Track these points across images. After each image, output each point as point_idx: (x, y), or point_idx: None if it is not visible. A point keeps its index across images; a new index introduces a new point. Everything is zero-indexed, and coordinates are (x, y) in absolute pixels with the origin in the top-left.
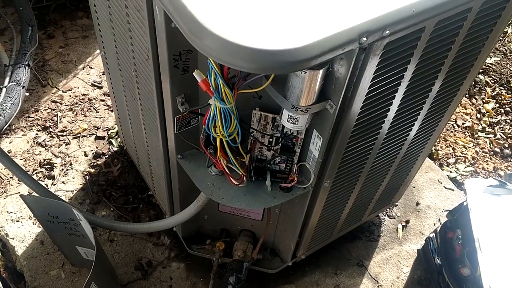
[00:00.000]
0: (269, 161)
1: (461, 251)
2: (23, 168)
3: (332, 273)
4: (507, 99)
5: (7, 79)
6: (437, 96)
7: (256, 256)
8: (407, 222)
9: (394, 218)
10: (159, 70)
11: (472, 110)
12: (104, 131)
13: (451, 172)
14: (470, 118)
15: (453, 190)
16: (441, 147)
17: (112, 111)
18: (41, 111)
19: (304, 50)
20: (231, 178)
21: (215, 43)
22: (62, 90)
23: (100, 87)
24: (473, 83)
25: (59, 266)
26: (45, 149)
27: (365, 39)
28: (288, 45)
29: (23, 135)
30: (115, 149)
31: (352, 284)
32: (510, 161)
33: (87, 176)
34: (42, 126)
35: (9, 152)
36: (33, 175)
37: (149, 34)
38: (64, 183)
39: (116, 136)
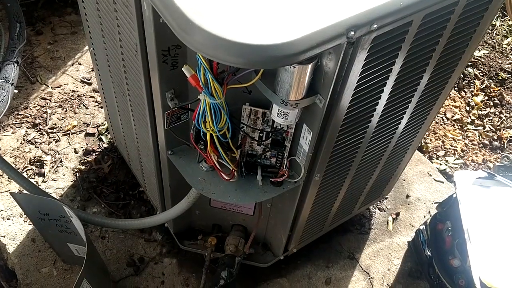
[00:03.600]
0: (259, 155)
1: (451, 242)
2: (13, 165)
3: (323, 266)
4: (495, 91)
5: None
6: (425, 89)
7: (248, 251)
8: (398, 214)
9: (384, 211)
10: (148, 66)
11: (461, 103)
12: (94, 127)
13: (440, 164)
14: (459, 110)
15: (442, 182)
16: (430, 140)
17: (101, 107)
18: (30, 108)
19: (293, 44)
20: (222, 173)
21: (204, 38)
22: (51, 87)
23: (90, 84)
24: (462, 76)
25: (51, 263)
26: (35, 147)
27: (353, 33)
28: (277, 39)
29: (12, 133)
30: (105, 145)
31: (344, 277)
32: (499, 153)
33: (77, 173)
34: (32, 123)
35: None
36: (23, 172)
37: (137, 30)
38: (54, 180)
39: (106, 133)
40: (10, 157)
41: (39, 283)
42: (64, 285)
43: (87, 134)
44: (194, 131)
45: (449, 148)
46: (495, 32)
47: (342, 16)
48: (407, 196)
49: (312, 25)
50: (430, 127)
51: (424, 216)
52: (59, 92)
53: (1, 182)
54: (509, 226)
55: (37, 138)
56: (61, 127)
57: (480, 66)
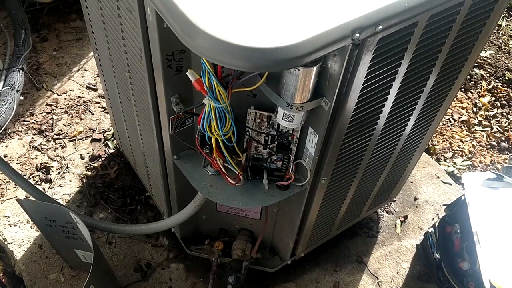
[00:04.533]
0: (265, 159)
1: (460, 245)
2: (20, 172)
3: (331, 270)
4: (502, 92)
5: (1, 84)
6: (432, 90)
7: (255, 255)
8: (406, 217)
9: (392, 214)
10: (152, 71)
11: (468, 104)
12: (100, 133)
13: (448, 166)
14: (466, 112)
15: (450, 184)
16: (438, 142)
17: (107, 113)
18: (36, 115)
19: (297, 47)
20: (228, 178)
21: (207, 43)
22: (57, 93)
23: (95, 89)
24: (469, 77)
25: (58, 269)
26: (41, 153)
27: (358, 35)
28: (281, 42)
29: (18, 139)
30: (112, 151)
31: (352, 281)
32: (507, 154)
33: (84, 179)
34: (38, 130)
35: (5, 157)
36: (29, 179)
37: (142, 35)
38: (61, 186)
39: (112, 138)
40: (17, 163)
41: None
42: None
43: (93, 140)
44: (200, 136)
45: (457, 150)
46: (501, 32)
47: (347, 18)
48: (415, 199)
49: (317, 27)
50: (437, 129)
51: (433, 219)
52: (65, 98)
53: (8, 189)
54: None
55: (43, 145)
56: (67, 133)
57: (486, 66)
